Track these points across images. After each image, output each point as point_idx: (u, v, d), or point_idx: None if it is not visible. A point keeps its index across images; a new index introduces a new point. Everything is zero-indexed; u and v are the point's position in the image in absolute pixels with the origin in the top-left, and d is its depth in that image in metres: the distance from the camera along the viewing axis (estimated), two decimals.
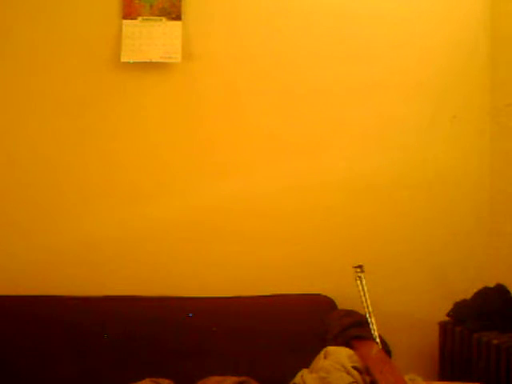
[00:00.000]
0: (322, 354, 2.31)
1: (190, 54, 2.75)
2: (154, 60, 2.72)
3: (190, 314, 2.58)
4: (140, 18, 2.73)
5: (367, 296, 2.46)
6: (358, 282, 2.48)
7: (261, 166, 2.79)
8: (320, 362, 2.26)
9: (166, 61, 2.73)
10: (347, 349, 2.30)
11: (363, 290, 2.47)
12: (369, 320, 2.43)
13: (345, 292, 2.61)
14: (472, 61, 2.85)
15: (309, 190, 2.79)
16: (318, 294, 2.69)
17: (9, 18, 2.73)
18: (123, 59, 2.72)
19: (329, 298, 2.68)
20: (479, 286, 2.66)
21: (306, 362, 2.31)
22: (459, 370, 2.54)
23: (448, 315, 2.64)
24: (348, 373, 2.16)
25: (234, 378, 2.31)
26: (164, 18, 2.74)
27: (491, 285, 2.64)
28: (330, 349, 2.31)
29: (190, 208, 2.77)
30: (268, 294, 2.68)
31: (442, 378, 2.64)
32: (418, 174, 2.83)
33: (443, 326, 2.66)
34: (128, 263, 2.74)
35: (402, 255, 2.81)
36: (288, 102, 2.80)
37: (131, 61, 2.73)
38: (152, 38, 2.72)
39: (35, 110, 2.75)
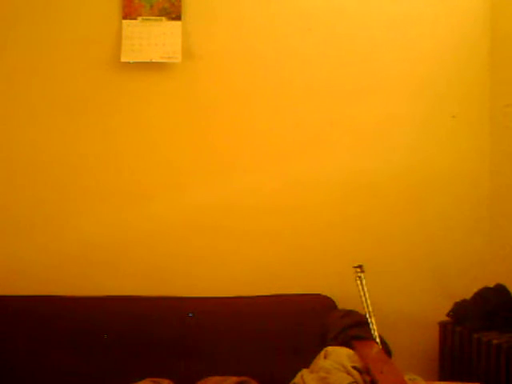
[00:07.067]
0: (322, 354, 2.31)
1: (190, 53, 2.75)
2: (154, 60, 2.73)
3: (190, 314, 2.58)
4: (140, 18, 2.73)
5: (367, 296, 2.46)
6: (358, 281, 2.49)
7: (260, 166, 2.79)
8: (320, 362, 2.26)
9: (166, 61, 2.73)
10: (347, 349, 2.30)
11: (363, 290, 2.47)
12: (369, 320, 2.44)
13: (345, 292, 2.61)
14: (472, 61, 2.85)
15: (309, 189, 2.79)
16: (318, 294, 2.68)
17: (9, 18, 2.74)
18: (123, 59, 2.72)
19: (329, 298, 2.67)
20: (479, 285, 2.65)
21: (306, 362, 2.31)
22: (459, 370, 2.54)
23: (448, 315, 2.64)
24: (348, 373, 2.15)
25: (234, 378, 2.31)
26: (164, 18, 2.74)
27: (491, 285, 2.64)
28: (330, 349, 2.31)
29: (190, 208, 2.77)
30: (268, 294, 2.68)
31: (442, 378, 2.64)
32: (418, 173, 2.83)
33: (443, 326, 2.66)
34: (128, 263, 2.75)
35: (402, 255, 2.81)
36: (288, 101, 2.80)
37: (131, 61, 2.73)
38: (152, 38, 2.72)
39: (35, 110, 2.75)
